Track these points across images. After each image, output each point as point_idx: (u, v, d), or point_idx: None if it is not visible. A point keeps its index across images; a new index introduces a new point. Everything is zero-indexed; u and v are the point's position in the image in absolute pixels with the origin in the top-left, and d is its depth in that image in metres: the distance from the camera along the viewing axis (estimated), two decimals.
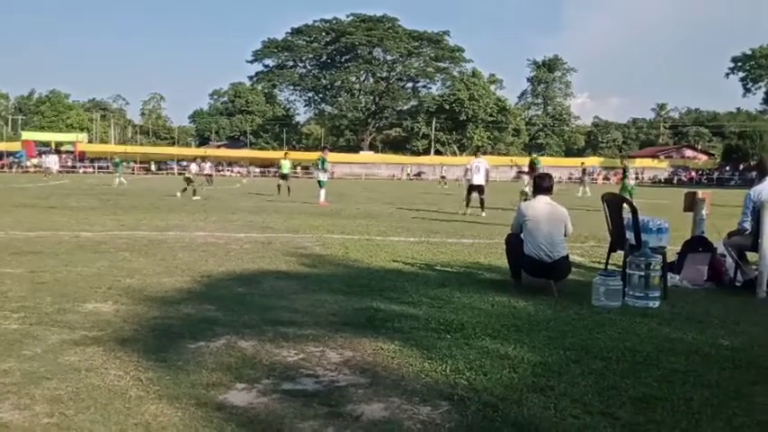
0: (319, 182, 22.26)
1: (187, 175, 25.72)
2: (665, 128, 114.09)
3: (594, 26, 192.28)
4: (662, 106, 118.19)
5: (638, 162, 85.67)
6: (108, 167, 64.33)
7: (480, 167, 18.16)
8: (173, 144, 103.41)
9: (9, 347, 4.20)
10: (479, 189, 17.97)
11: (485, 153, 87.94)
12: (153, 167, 73.55)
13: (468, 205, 18.04)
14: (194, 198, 22.45)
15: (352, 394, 3.52)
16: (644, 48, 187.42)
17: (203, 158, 41.57)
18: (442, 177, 54.09)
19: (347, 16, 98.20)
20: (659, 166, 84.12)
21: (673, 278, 7.02)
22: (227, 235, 11.11)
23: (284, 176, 27.74)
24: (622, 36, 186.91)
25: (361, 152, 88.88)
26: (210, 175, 37.06)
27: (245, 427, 3.04)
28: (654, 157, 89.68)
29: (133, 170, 59.17)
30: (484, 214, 17.14)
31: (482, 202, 17.82)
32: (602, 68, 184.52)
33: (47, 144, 75.64)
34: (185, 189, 23.76)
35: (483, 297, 6.14)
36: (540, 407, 3.37)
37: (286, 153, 32.03)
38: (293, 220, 14.57)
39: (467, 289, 6.51)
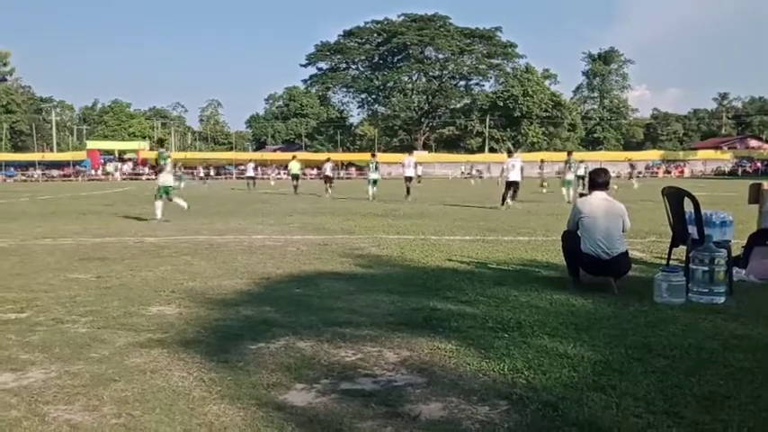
0: (374, 180, 25.27)
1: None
2: (728, 118, 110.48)
3: (650, 15, 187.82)
4: (724, 96, 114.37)
5: (701, 154, 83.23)
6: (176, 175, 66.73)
7: (516, 165, 19.79)
8: (230, 149, 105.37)
9: (78, 350, 4.36)
10: (516, 185, 19.65)
11: (540, 149, 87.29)
12: (212, 173, 75.12)
13: (506, 201, 19.40)
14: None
15: (409, 394, 3.53)
16: (703, 36, 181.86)
17: (250, 161, 43.48)
18: (469, 174, 52.71)
19: (398, 16, 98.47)
20: (722, 158, 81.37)
21: (738, 273, 6.79)
22: (285, 237, 11.27)
23: (295, 177, 31.71)
24: (680, 24, 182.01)
25: (415, 152, 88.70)
26: (253, 178, 38.03)
27: (305, 427, 3.08)
28: (716, 148, 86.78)
29: (201, 176, 61.06)
30: (519, 206, 19.17)
31: (515, 194, 19.69)
32: (660, 59, 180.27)
33: (110, 153, 78.13)
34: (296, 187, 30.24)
35: (540, 295, 6.07)
36: (601, 406, 3.31)
37: (294, 156, 35.93)
38: (348, 221, 14.67)
39: (524, 287, 6.45)
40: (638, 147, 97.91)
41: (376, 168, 25.94)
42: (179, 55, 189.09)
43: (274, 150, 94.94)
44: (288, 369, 3.93)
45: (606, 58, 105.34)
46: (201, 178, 48.42)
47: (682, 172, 75.90)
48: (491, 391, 3.56)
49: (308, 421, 3.15)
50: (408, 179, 24.73)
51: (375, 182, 25.15)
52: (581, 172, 26.20)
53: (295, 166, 32.17)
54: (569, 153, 25.57)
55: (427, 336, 4.66)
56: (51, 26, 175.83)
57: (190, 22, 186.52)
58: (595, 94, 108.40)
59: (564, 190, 23.37)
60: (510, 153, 22.91)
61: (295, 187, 30.94)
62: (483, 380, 3.74)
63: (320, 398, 3.47)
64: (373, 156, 27.87)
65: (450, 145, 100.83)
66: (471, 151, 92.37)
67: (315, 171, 63.75)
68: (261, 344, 4.49)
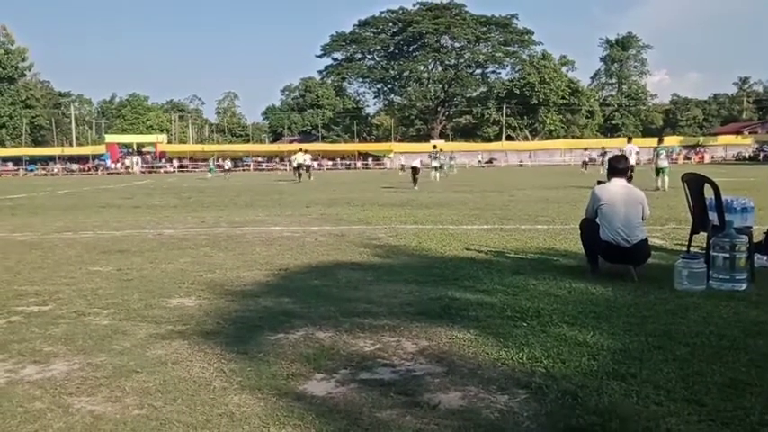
0: (435, 167, 32.38)
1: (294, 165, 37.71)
2: (749, 102, 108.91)
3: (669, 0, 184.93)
4: (744, 80, 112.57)
5: (721, 139, 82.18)
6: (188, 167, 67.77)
7: (633, 151, 21.33)
8: (247, 141, 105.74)
9: (100, 342, 4.41)
10: (632, 169, 20.19)
11: (557, 137, 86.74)
12: (229, 164, 75.46)
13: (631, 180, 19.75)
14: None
15: (428, 383, 3.54)
16: (723, 19, 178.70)
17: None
18: (586, 162, 49.90)
19: (413, 5, 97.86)
20: (743, 143, 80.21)
21: (760, 259, 6.71)
22: (302, 228, 11.30)
23: (299, 167, 36.86)
24: (700, 8, 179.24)
25: (432, 141, 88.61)
26: (307, 167, 39.89)
27: (325, 417, 3.10)
28: (737, 133, 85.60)
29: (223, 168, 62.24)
30: None
31: (630, 179, 19.81)
32: (679, 44, 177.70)
33: (129, 146, 78.74)
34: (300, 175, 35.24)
35: (559, 283, 6.04)
36: (621, 394, 3.30)
37: (300, 149, 42.44)
38: (366, 211, 14.69)
39: (542, 276, 6.42)
40: (658, 133, 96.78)
41: (436, 157, 32.79)
42: (195, 48, 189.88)
43: (291, 141, 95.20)
44: (307, 359, 3.95)
45: (624, 43, 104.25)
46: (225, 170, 49.80)
47: (702, 158, 75.01)
48: (510, 380, 3.56)
49: (328, 411, 3.17)
50: (415, 170, 27.27)
51: (436, 168, 32.06)
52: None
53: (299, 158, 37.56)
54: (660, 140, 23.84)
55: (445, 325, 4.66)
56: (69, 21, 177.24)
57: (206, 14, 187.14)
58: (613, 81, 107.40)
59: (659, 180, 21.23)
60: (630, 139, 24.59)
61: (299, 175, 36.17)
62: (502, 369, 3.74)
63: (339, 388, 3.49)
64: (434, 147, 35.70)
65: (466, 134, 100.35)
66: (488, 140, 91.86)
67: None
68: (280, 334, 4.51)
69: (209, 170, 49.46)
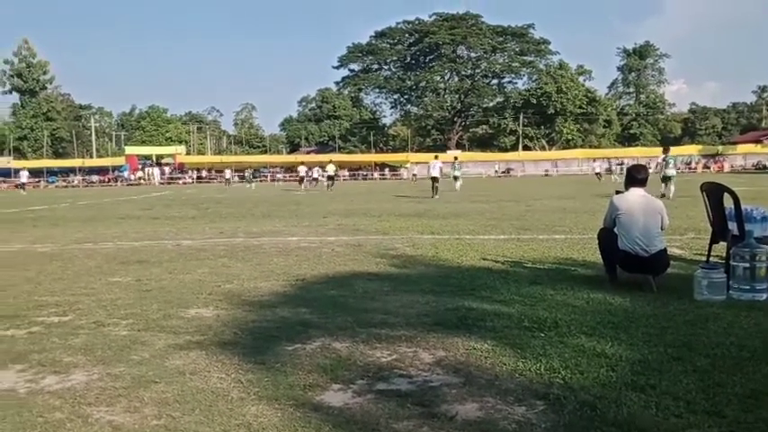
0: (455, 177, 32.58)
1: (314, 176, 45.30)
2: None
3: (686, 7, 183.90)
4: (763, 88, 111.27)
5: (741, 148, 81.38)
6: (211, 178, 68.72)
7: (670, 162, 22.27)
8: (265, 152, 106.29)
9: (119, 353, 4.45)
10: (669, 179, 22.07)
11: (574, 146, 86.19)
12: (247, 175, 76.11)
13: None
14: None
15: (445, 394, 3.53)
16: (741, 27, 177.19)
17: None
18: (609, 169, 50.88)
19: (430, 16, 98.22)
20: (763, 152, 79.23)
21: None
22: (319, 239, 11.33)
23: (330, 178, 41.30)
24: (716, 16, 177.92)
25: (448, 151, 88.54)
26: (331, 177, 43.50)
27: (342, 428, 3.10)
28: (757, 142, 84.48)
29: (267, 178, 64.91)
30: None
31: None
32: (697, 53, 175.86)
33: (148, 158, 79.48)
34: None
35: (577, 294, 6.00)
36: (640, 406, 3.27)
37: (330, 160, 47.79)
38: (383, 221, 14.69)
39: (560, 286, 6.39)
40: (676, 142, 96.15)
41: (458, 168, 33.37)
42: (213, 60, 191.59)
43: (308, 152, 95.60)
44: (324, 370, 3.95)
45: (642, 52, 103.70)
46: (251, 180, 53.68)
47: (721, 167, 74.32)
48: (528, 391, 3.54)
49: (345, 422, 3.17)
50: (435, 179, 27.37)
51: (456, 178, 32.39)
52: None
53: (331, 168, 42.06)
54: (666, 150, 24.74)
55: (462, 336, 4.65)
56: (90, 35, 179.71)
57: (224, 27, 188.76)
58: (631, 90, 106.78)
59: (664, 187, 22.03)
60: (666, 150, 24.59)
61: (328, 186, 39.75)
62: (519, 380, 3.72)
63: (356, 398, 3.49)
64: (456, 158, 36.37)
65: (483, 144, 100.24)
66: (505, 150, 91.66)
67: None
68: (297, 345, 4.52)
69: (248, 180, 54.28)
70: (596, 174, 49.77)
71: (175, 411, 3.35)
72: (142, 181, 71.60)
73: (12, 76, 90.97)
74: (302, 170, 46.00)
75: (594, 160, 58.68)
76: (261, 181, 69.89)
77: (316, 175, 47.15)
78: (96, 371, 4.06)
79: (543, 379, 3.71)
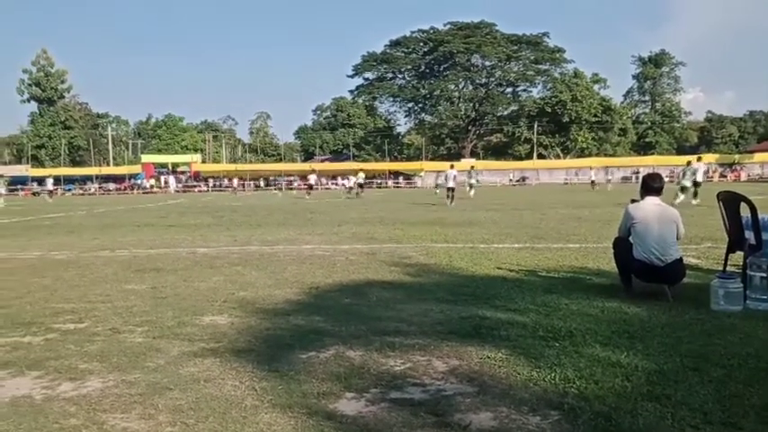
0: (470, 185, 34.43)
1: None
2: None
3: (702, 15, 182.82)
4: None
5: (758, 157, 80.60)
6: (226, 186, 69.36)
7: (700, 169, 23.53)
8: (280, 160, 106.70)
9: (135, 360, 4.47)
10: (698, 185, 23.10)
11: (589, 155, 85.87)
12: (262, 184, 76.51)
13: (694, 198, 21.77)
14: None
15: (459, 403, 3.52)
16: (757, 35, 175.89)
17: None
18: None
19: (444, 25, 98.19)
20: None
21: None
22: (333, 247, 11.35)
23: (360, 185, 43.60)
24: (732, 24, 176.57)
25: (463, 159, 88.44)
26: (361, 185, 45.26)
27: None
28: None
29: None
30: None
31: (696, 194, 22.48)
32: (713, 60, 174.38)
33: (164, 166, 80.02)
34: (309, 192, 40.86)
35: (592, 303, 5.97)
36: (656, 416, 3.25)
37: (361, 169, 49.96)
38: (396, 230, 14.69)
39: (575, 295, 6.36)
40: (692, 151, 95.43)
41: (474, 176, 35.33)
42: (229, 68, 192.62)
43: (322, 161, 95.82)
44: (338, 378, 3.95)
45: (657, 60, 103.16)
46: (278, 188, 55.51)
47: (738, 176, 73.68)
48: (542, 400, 3.52)
49: (358, 430, 3.17)
50: (450, 189, 27.80)
51: (471, 186, 34.00)
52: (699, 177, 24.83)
53: (360, 176, 44.26)
54: (689, 162, 25.37)
55: (477, 345, 4.63)
56: (107, 44, 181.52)
57: (240, 36, 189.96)
58: (647, 98, 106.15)
59: (682, 196, 22.70)
60: (699, 159, 26.29)
61: (357, 194, 41.46)
62: (534, 389, 3.70)
63: (370, 407, 3.49)
64: (472, 167, 38.76)
65: (497, 152, 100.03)
66: (519, 158, 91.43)
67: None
68: (311, 353, 4.53)
69: (279, 189, 55.53)
70: (591, 182, 50.33)
71: (190, 419, 3.37)
72: (156, 189, 72.08)
73: (30, 84, 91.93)
74: (312, 178, 46.85)
75: (591, 168, 58.77)
76: (276, 189, 70.30)
77: (350, 184, 47.73)
78: (111, 378, 4.09)
79: (558, 389, 3.69)
